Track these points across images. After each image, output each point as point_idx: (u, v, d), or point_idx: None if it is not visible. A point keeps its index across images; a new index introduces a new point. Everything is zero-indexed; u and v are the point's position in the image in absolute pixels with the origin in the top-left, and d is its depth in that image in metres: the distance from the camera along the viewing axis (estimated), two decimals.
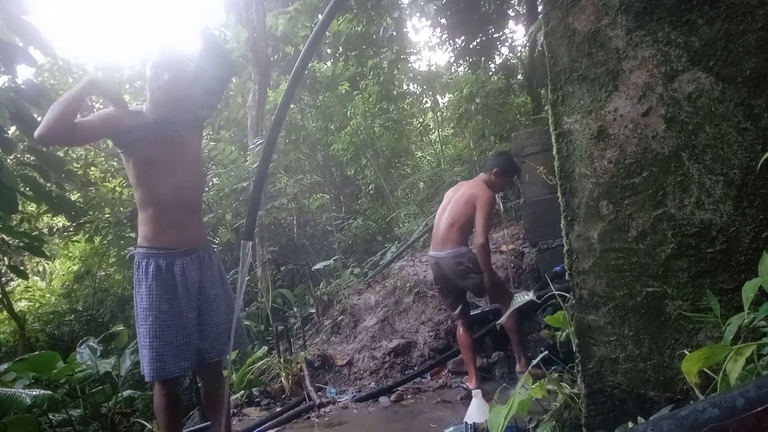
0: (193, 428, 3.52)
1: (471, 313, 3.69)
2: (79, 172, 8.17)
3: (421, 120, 11.13)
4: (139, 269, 2.15)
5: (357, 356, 4.34)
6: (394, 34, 8.37)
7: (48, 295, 10.11)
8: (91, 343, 3.85)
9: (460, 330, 3.51)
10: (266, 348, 4.47)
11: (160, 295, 2.10)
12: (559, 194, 1.52)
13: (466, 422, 2.32)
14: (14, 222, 6.12)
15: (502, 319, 2.45)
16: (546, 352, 2.71)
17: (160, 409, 2.17)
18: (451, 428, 2.75)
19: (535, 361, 1.92)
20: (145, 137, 2.15)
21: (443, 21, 8.45)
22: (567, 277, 1.54)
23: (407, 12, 8.35)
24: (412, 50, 10.11)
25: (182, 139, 2.23)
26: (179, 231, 2.17)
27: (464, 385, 3.45)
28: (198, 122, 2.38)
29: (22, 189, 3.01)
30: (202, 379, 2.36)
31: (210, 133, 9.31)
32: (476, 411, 2.35)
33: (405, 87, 10.61)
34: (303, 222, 7.24)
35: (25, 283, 9.15)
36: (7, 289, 7.80)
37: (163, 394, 2.16)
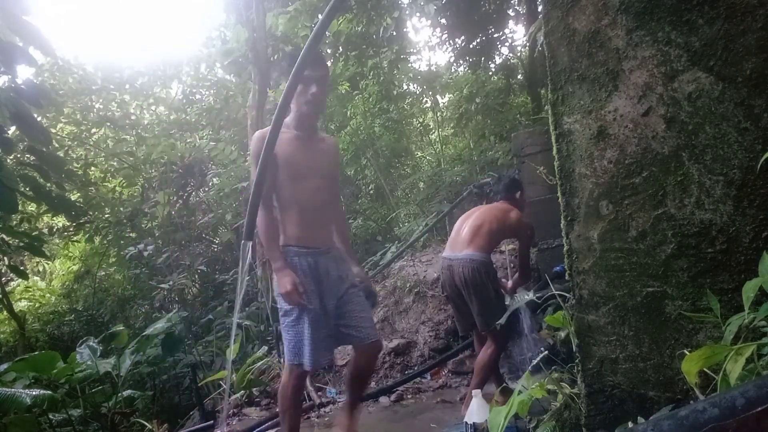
0: (193, 428, 3.52)
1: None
2: (79, 172, 8.17)
3: (421, 120, 11.13)
4: (294, 264, 2.28)
5: None
6: (394, 34, 8.37)
7: (48, 295, 10.12)
8: (91, 343, 3.85)
9: (478, 348, 3.18)
10: (266, 348, 4.46)
11: (312, 290, 2.23)
12: (559, 194, 1.52)
13: (466, 422, 2.32)
14: (14, 222, 6.12)
15: (502, 319, 2.46)
16: (546, 352, 2.71)
17: (289, 396, 2.28)
18: (451, 428, 2.76)
19: (535, 361, 1.92)
20: (294, 151, 2.29)
21: (443, 21, 8.45)
22: (567, 277, 1.54)
23: (407, 12, 8.35)
24: (412, 50, 10.11)
25: (320, 146, 2.38)
26: (320, 231, 2.33)
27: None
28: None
29: (22, 189, 3.01)
30: (361, 358, 2.43)
31: (210, 133, 9.32)
32: (476, 411, 2.35)
33: (405, 87, 10.60)
34: None
35: (25, 283, 9.15)
36: (7, 289, 7.80)
37: (297, 381, 2.29)
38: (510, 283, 3.40)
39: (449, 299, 3.19)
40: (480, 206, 3.38)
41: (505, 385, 2.50)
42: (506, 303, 2.99)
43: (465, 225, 3.14)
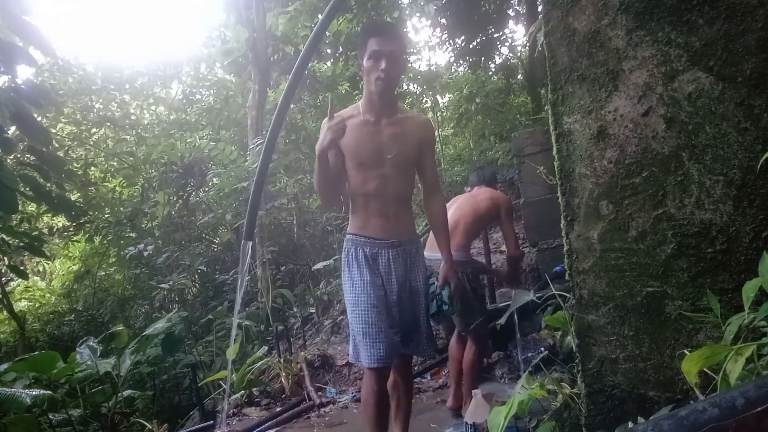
0: (193, 428, 3.52)
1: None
2: (79, 172, 8.17)
3: None
4: (348, 255, 2.15)
5: None
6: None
7: (48, 295, 10.12)
8: (91, 343, 3.86)
9: (453, 341, 3.17)
10: (266, 348, 4.47)
11: (372, 281, 2.08)
12: (559, 194, 1.52)
13: (466, 422, 2.32)
14: (14, 222, 6.12)
15: (502, 319, 2.45)
16: (546, 352, 2.71)
17: (370, 403, 2.12)
18: (451, 428, 2.76)
19: (535, 361, 1.92)
20: (359, 138, 2.11)
21: (443, 21, 8.45)
22: (567, 277, 1.54)
23: (407, 12, 8.35)
24: (412, 50, 10.11)
25: (395, 130, 2.13)
26: (385, 222, 2.13)
27: (447, 404, 3.14)
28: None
29: (22, 189, 3.01)
30: (395, 371, 2.24)
31: (210, 133, 9.32)
32: (476, 411, 2.35)
33: (405, 87, 10.61)
34: (303, 222, 7.24)
35: (25, 283, 9.15)
36: (7, 289, 7.80)
37: (375, 382, 2.09)
38: (505, 267, 3.37)
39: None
40: (457, 197, 3.31)
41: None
42: (488, 303, 3.01)
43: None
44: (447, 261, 2.21)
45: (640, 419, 1.29)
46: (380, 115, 2.12)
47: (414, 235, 2.22)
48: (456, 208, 3.09)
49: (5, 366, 3.43)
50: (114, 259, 8.65)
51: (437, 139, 10.43)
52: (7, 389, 3.04)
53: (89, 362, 3.65)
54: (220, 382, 3.96)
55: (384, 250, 2.12)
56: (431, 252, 3.01)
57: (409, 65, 10.41)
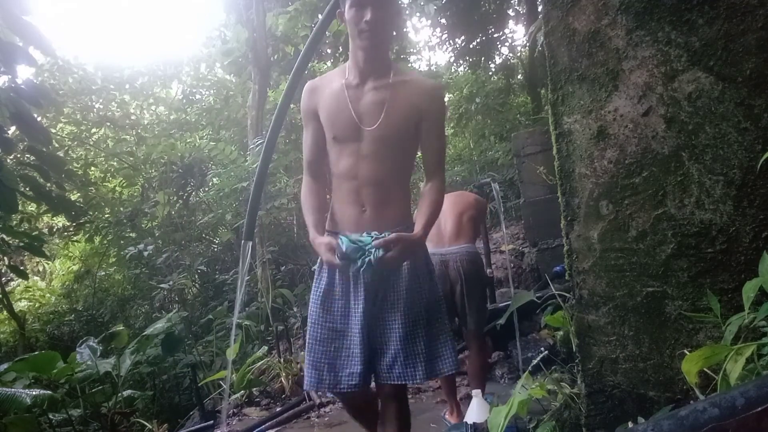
0: (193, 428, 3.52)
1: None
2: (79, 172, 8.17)
3: None
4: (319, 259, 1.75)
5: None
6: (394, 34, 8.37)
7: (48, 295, 10.11)
8: (91, 343, 3.85)
9: None
10: (266, 348, 4.46)
11: (327, 291, 1.71)
12: (559, 194, 1.52)
13: (466, 422, 2.32)
14: (14, 222, 6.12)
15: (502, 319, 2.46)
16: (546, 352, 2.71)
17: (351, 416, 1.90)
18: (451, 428, 2.76)
19: (535, 361, 1.92)
20: (337, 106, 1.69)
21: (443, 21, 8.45)
22: (567, 277, 1.54)
23: (407, 12, 8.34)
24: (412, 50, 10.11)
25: (384, 95, 1.67)
26: (364, 212, 1.68)
27: (445, 418, 2.99)
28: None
29: (22, 189, 3.01)
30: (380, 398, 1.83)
31: (210, 133, 9.32)
32: (476, 411, 2.35)
33: None
34: (303, 222, 7.23)
35: (25, 283, 9.14)
36: (7, 289, 7.79)
37: (346, 408, 1.83)
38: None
39: None
40: (447, 194, 3.32)
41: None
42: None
43: (443, 217, 2.93)
44: (415, 235, 1.64)
45: (640, 419, 1.29)
46: (366, 77, 1.68)
47: (402, 227, 1.68)
48: (453, 204, 3.05)
49: (5, 366, 3.43)
50: (114, 259, 8.65)
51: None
52: (7, 389, 3.03)
53: (89, 362, 3.65)
54: (220, 382, 3.96)
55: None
56: (437, 247, 2.88)
57: (409, 65, 10.38)
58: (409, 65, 10.40)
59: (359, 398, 1.76)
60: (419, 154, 1.83)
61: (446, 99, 1.90)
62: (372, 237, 1.59)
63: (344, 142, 1.68)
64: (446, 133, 1.88)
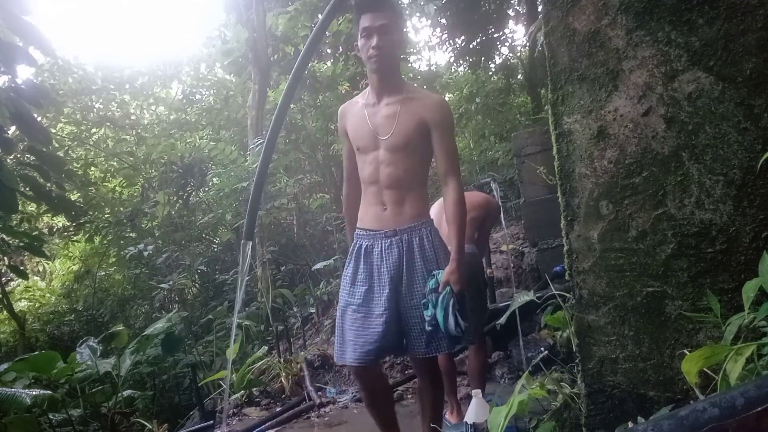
0: (193, 428, 3.52)
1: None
2: (79, 172, 8.17)
3: None
4: (351, 250, 2.06)
5: None
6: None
7: (48, 295, 10.11)
8: (91, 343, 3.85)
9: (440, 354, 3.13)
10: (266, 348, 4.46)
11: (352, 276, 1.99)
12: (559, 194, 1.52)
13: (466, 422, 2.32)
14: (14, 222, 6.12)
15: (502, 319, 2.45)
16: (546, 352, 2.71)
17: (365, 403, 2.10)
18: (452, 428, 2.76)
19: (535, 361, 1.92)
20: (356, 122, 2.02)
21: (443, 21, 8.45)
22: (567, 277, 1.54)
23: (407, 12, 8.34)
24: (412, 50, 10.11)
25: (394, 110, 1.95)
26: (383, 211, 1.97)
27: (445, 418, 2.93)
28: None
29: (22, 189, 3.01)
30: (415, 371, 2.19)
31: (210, 133, 9.32)
32: (476, 411, 2.35)
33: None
34: (303, 222, 7.23)
35: (25, 283, 9.15)
36: (7, 289, 7.79)
37: (359, 382, 2.09)
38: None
39: None
40: None
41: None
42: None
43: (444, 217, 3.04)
44: (454, 260, 1.89)
45: (640, 419, 1.29)
46: (381, 96, 1.98)
47: (418, 222, 1.97)
48: None
49: (5, 366, 3.43)
50: (114, 259, 8.65)
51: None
52: (7, 389, 3.03)
53: (89, 362, 3.65)
54: (220, 382, 3.96)
55: (378, 242, 1.97)
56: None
57: (409, 65, 10.39)
58: (409, 65, 10.41)
59: (372, 374, 2.01)
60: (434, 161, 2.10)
61: (451, 111, 2.23)
62: (432, 287, 1.88)
63: (366, 151, 1.98)
64: (455, 141, 2.12)
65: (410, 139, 1.93)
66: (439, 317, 1.80)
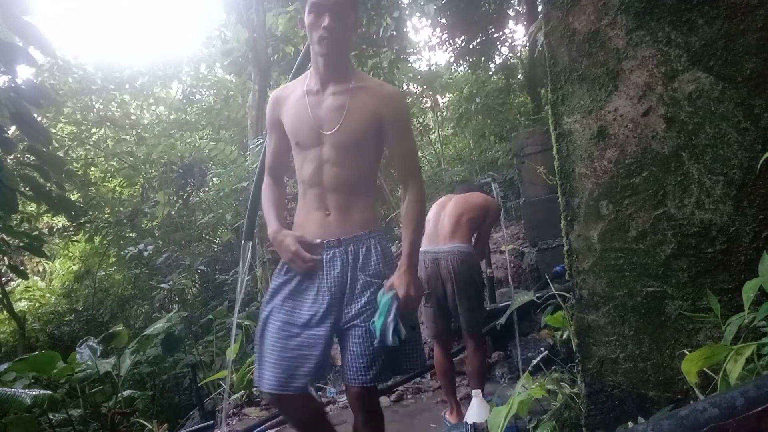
0: (193, 428, 3.52)
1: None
2: (79, 172, 8.17)
3: (421, 120, 11.15)
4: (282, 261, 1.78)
5: None
6: (394, 34, 8.36)
7: (48, 295, 10.12)
8: (91, 343, 3.86)
9: (438, 352, 2.95)
10: None
11: (279, 288, 1.71)
12: (559, 194, 1.52)
13: (466, 422, 2.32)
14: (14, 222, 6.12)
15: (502, 319, 2.46)
16: (546, 352, 2.71)
17: None
18: (452, 428, 2.76)
19: (535, 361, 1.92)
20: (297, 112, 1.71)
21: (443, 21, 8.45)
22: (567, 277, 1.54)
23: (407, 12, 8.33)
24: (412, 50, 10.10)
25: (342, 101, 1.68)
26: (322, 217, 1.69)
27: (445, 418, 2.98)
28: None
29: (22, 189, 3.01)
30: (350, 406, 1.81)
31: (210, 133, 9.32)
32: (476, 411, 2.36)
33: (405, 87, 10.61)
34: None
35: (25, 283, 9.15)
36: (7, 289, 7.80)
37: (282, 413, 1.76)
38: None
39: (430, 296, 2.93)
40: (451, 195, 3.25)
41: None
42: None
43: (443, 216, 3.01)
44: (403, 264, 1.66)
45: (640, 419, 1.29)
46: (326, 83, 1.70)
47: (366, 231, 1.70)
48: (455, 205, 3.07)
49: (5, 366, 3.43)
50: (114, 259, 8.66)
51: (438, 139, 10.39)
52: (7, 389, 3.04)
53: (89, 362, 3.65)
54: (220, 382, 3.97)
55: (326, 252, 1.67)
56: (431, 245, 2.93)
57: (409, 65, 10.37)
58: (409, 65, 10.40)
59: (297, 403, 1.69)
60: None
61: (408, 105, 1.92)
62: (384, 299, 1.62)
63: (306, 148, 1.70)
64: (414, 138, 1.85)
65: (359, 135, 1.67)
66: (377, 324, 1.57)
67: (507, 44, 9.41)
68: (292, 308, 1.67)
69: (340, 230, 1.68)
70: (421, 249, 2.96)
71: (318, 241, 1.67)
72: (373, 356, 1.62)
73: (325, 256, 1.67)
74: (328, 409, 3.57)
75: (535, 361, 2.09)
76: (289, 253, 1.67)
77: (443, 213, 3.05)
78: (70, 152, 9.20)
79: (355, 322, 1.64)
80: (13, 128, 3.36)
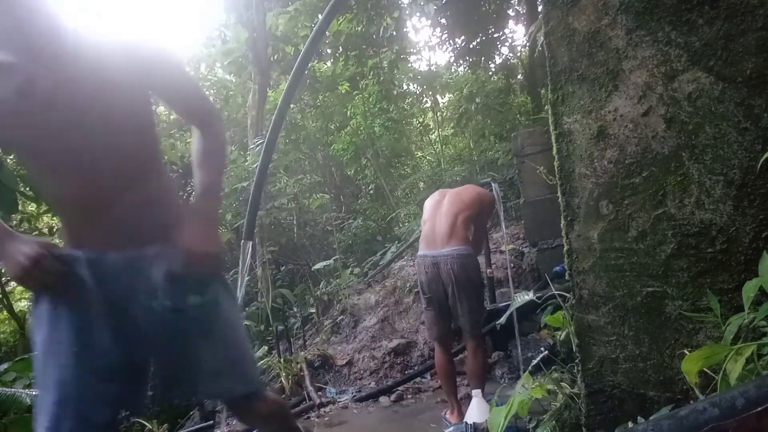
0: (193, 428, 3.52)
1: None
2: None
3: (421, 120, 11.15)
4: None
5: (357, 356, 4.34)
6: (394, 34, 8.37)
7: None
8: None
9: (439, 353, 2.97)
10: (266, 348, 4.47)
11: (49, 310, 1.25)
12: (559, 194, 1.52)
13: (466, 422, 2.33)
14: (14, 222, 6.12)
15: (502, 319, 2.46)
16: (546, 352, 2.71)
17: None
18: (451, 428, 2.76)
19: (535, 361, 1.92)
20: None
21: (443, 21, 8.44)
22: (567, 277, 1.54)
23: (407, 12, 8.34)
24: (412, 50, 10.11)
25: (62, 77, 1.16)
26: (91, 226, 1.26)
27: (445, 418, 2.98)
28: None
29: (22, 189, 3.01)
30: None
31: None
32: (476, 411, 2.36)
33: (405, 87, 10.61)
34: (303, 222, 7.24)
35: None
36: (7, 289, 7.80)
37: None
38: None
39: (431, 300, 2.93)
40: (444, 190, 3.22)
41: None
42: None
43: (438, 217, 2.99)
44: (193, 219, 1.33)
45: (640, 419, 1.29)
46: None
47: (158, 240, 1.30)
48: (450, 204, 3.03)
49: (5, 366, 3.43)
50: None
51: (438, 139, 10.39)
52: (7, 389, 3.04)
53: None
54: None
55: (108, 265, 1.27)
56: (429, 249, 2.93)
57: (409, 65, 10.38)
58: (409, 65, 10.41)
59: None
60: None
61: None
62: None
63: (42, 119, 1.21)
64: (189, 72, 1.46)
65: (132, 88, 1.28)
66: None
67: (507, 44, 9.40)
68: (76, 333, 1.27)
69: (127, 231, 1.30)
70: (419, 253, 3.01)
71: None
72: (215, 370, 1.36)
73: (110, 267, 1.29)
74: (328, 408, 3.57)
75: (535, 361, 2.09)
76: (24, 258, 1.21)
77: (439, 213, 3.02)
78: None
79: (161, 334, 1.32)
80: None
